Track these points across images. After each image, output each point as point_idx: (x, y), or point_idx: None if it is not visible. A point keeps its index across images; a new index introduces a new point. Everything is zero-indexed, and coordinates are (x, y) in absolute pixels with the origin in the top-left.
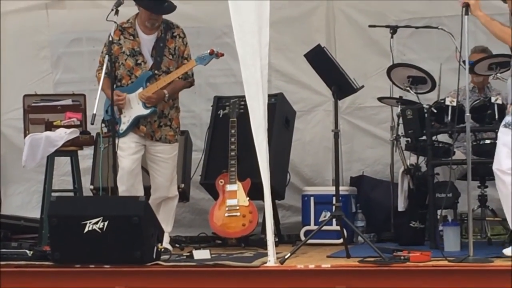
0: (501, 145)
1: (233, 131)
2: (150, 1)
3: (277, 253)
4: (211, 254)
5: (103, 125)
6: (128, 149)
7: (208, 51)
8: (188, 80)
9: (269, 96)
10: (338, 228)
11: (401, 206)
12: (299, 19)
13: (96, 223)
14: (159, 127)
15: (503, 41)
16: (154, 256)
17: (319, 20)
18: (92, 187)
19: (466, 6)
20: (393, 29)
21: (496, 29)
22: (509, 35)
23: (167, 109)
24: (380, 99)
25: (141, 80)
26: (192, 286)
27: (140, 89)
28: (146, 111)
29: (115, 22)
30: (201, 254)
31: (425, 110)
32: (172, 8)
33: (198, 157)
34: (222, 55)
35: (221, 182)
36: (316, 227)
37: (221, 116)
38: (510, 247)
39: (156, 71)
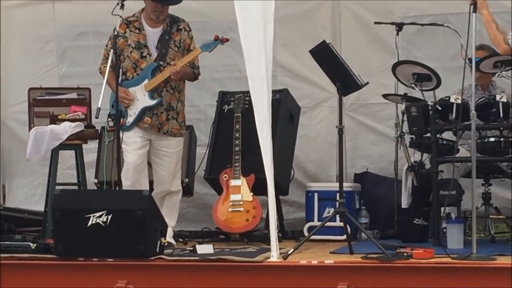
0: None
1: (237, 126)
2: None
3: (280, 249)
4: (214, 248)
5: (109, 119)
6: (134, 144)
7: (213, 37)
8: (194, 71)
9: (274, 91)
10: (341, 224)
11: (404, 203)
12: (305, 15)
13: (100, 216)
14: (167, 120)
15: (494, 45)
16: (158, 250)
17: (325, 17)
18: (96, 181)
19: (474, 3)
20: (399, 26)
21: (490, 32)
22: (498, 42)
23: (174, 101)
24: (385, 96)
25: (146, 71)
26: (195, 280)
27: (146, 81)
28: (152, 102)
29: (120, 16)
30: (205, 248)
31: (430, 107)
32: (178, 0)
33: (202, 152)
34: (227, 40)
35: (225, 177)
36: (319, 223)
37: (225, 111)
38: None
39: (161, 62)
